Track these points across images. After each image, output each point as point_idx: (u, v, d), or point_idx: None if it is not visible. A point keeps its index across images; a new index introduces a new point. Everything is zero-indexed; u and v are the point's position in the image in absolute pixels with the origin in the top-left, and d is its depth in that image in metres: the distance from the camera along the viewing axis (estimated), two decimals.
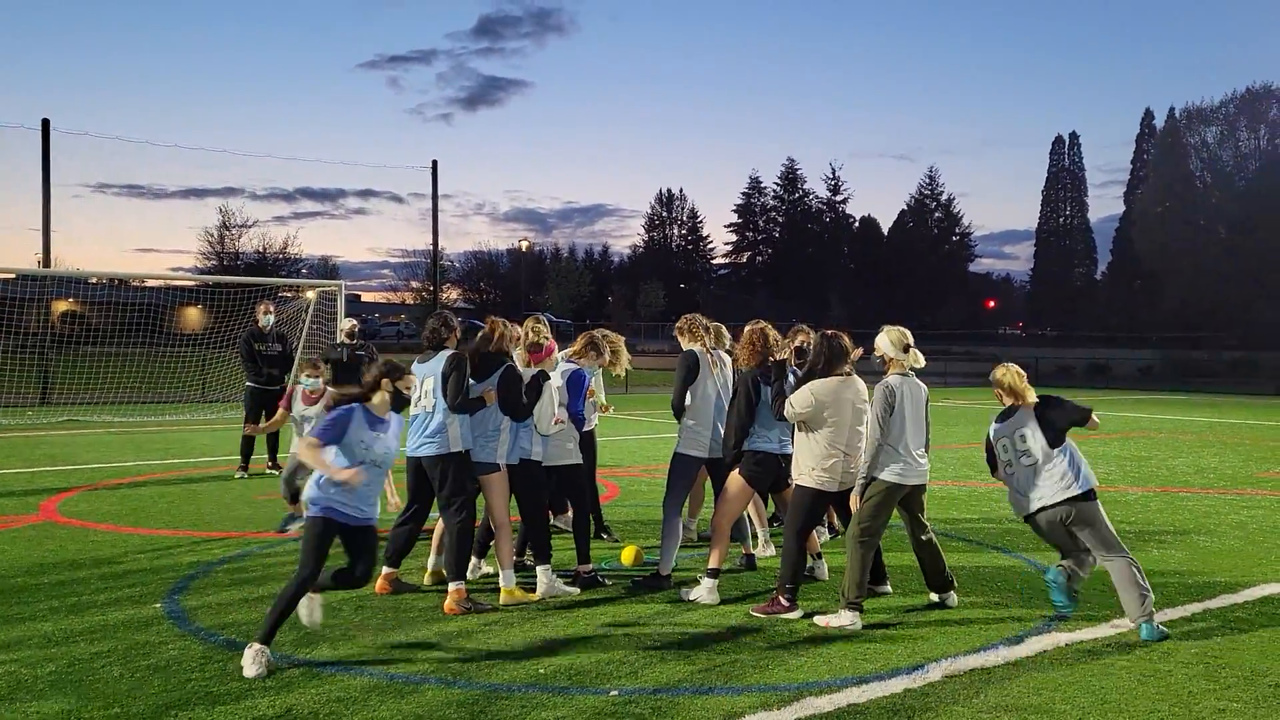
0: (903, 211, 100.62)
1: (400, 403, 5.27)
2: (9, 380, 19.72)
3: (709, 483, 7.05)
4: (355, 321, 12.67)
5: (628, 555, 7.07)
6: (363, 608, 5.90)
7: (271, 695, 4.44)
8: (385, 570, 6.25)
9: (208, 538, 7.93)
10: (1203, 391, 33.26)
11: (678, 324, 6.93)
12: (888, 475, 5.78)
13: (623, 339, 7.28)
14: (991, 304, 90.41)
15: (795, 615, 5.82)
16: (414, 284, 74.82)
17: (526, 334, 6.51)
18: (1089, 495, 5.66)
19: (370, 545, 5.16)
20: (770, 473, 6.41)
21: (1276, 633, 5.61)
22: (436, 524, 6.44)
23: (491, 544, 6.49)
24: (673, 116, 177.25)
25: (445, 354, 6.09)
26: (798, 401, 5.92)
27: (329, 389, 7.91)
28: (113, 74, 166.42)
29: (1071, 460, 5.72)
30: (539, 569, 6.27)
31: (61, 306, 31.01)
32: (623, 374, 7.27)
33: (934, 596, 6.17)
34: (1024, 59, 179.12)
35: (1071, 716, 4.33)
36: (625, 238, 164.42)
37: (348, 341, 12.03)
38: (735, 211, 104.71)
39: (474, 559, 6.58)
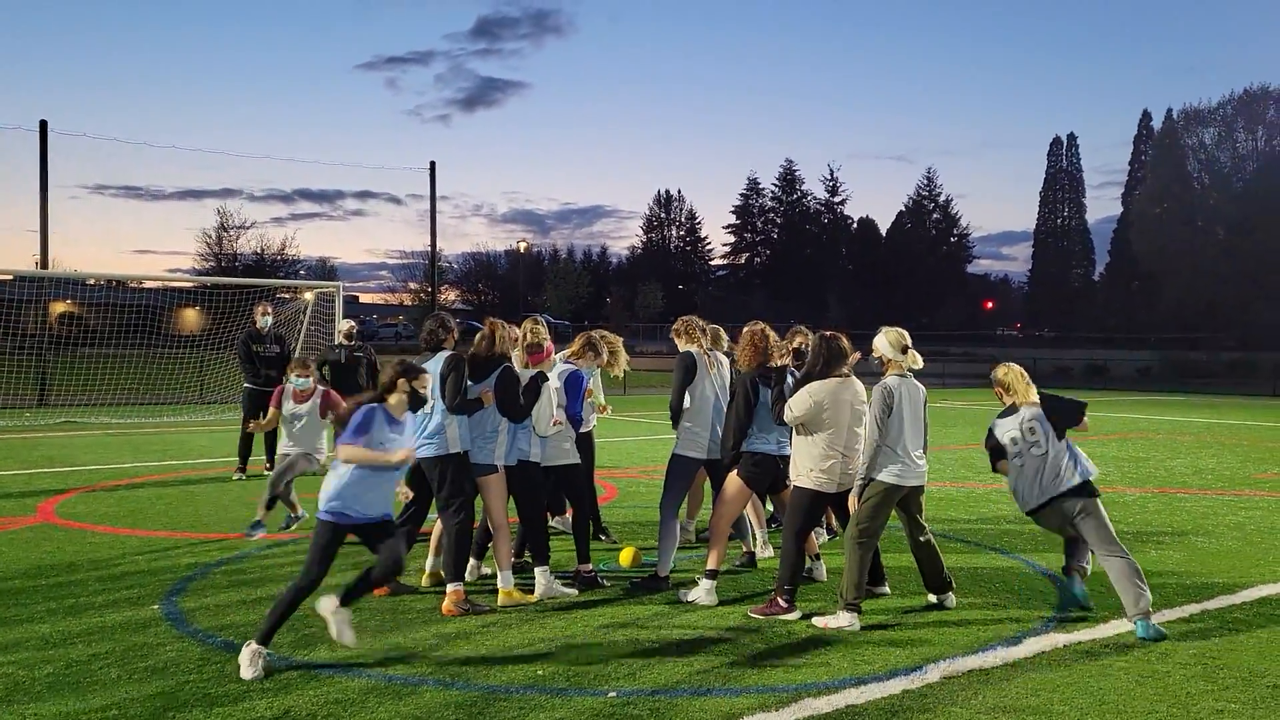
0: (901, 213, 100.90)
1: (417, 402, 5.27)
2: (7, 382, 19.70)
3: (708, 484, 7.05)
4: (353, 323, 12.71)
5: (626, 557, 7.07)
6: (360, 609, 5.89)
7: (269, 697, 4.43)
8: None
9: (206, 539, 7.92)
10: (1201, 392, 33.24)
11: (675, 325, 6.91)
12: (886, 476, 5.79)
13: (621, 340, 7.28)
14: (989, 305, 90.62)
15: (793, 616, 5.82)
16: (412, 285, 75.01)
17: (525, 335, 6.50)
18: (1092, 488, 5.77)
19: (391, 532, 5.11)
20: (768, 474, 6.40)
21: (1274, 633, 5.61)
22: (434, 525, 6.44)
23: (490, 545, 6.49)
24: (671, 117, 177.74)
25: (443, 355, 6.10)
26: (796, 406, 5.92)
27: (340, 399, 7.91)
28: (110, 75, 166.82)
29: (1072, 452, 5.89)
30: (537, 570, 6.26)
31: (59, 308, 31.03)
32: (621, 375, 7.27)
33: (932, 598, 6.18)
34: (1022, 60, 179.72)
35: (1069, 717, 4.33)
36: (623, 239, 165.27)
37: (346, 343, 12.06)
38: (733, 213, 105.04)
39: (472, 560, 6.57)
